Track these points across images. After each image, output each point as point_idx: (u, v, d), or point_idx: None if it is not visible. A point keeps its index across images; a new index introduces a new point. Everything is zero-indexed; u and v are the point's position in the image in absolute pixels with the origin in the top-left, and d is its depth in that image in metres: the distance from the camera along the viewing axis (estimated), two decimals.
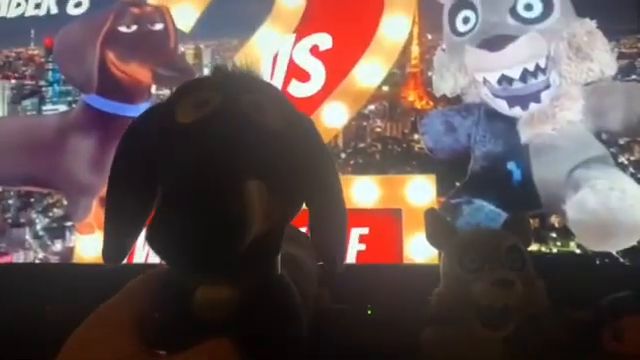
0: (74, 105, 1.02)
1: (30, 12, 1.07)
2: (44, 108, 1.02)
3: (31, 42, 1.05)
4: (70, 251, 0.97)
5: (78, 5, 1.05)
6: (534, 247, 0.87)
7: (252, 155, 0.34)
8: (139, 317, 0.38)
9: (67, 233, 0.97)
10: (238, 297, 0.37)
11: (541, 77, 0.92)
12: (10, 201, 0.99)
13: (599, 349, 0.68)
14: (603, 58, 0.90)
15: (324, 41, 0.98)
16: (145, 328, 0.38)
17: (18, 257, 0.98)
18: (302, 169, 0.37)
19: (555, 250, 0.90)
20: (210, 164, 0.32)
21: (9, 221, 0.99)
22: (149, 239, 0.32)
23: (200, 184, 0.31)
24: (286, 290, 0.41)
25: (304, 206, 0.39)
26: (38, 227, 0.98)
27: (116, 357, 0.36)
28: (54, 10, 1.07)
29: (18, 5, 1.07)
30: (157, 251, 0.32)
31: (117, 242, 0.38)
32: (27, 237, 0.98)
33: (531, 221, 0.79)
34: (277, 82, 0.96)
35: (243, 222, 0.32)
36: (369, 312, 0.86)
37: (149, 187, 0.35)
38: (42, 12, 1.07)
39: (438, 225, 0.73)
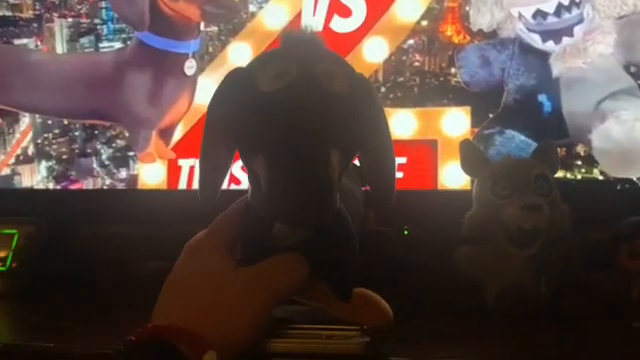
0: (129, 42, 1.07)
1: None
2: (101, 45, 1.07)
3: None
4: (134, 178, 1.05)
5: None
6: (560, 174, 0.92)
7: (330, 124, 0.42)
8: (228, 246, 0.48)
9: (130, 162, 1.05)
10: (308, 231, 0.46)
11: (575, 11, 0.94)
12: (76, 133, 1.06)
13: (616, 265, 0.75)
14: None
15: None
16: (233, 253, 0.48)
17: (88, 184, 1.06)
18: (363, 127, 0.45)
19: (580, 177, 0.95)
20: (301, 135, 0.41)
21: (76, 151, 1.06)
22: (267, 202, 0.41)
23: (298, 154, 0.40)
24: (345, 221, 0.50)
25: None
26: (104, 157, 1.05)
27: (215, 278, 0.46)
28: None
29: None
30: (273, 212, 0.41)
31: (210, 184, 0.47)
32: (94, 166, 1.05)
33: (558, 150, 0.85)
34: (319, 18, 0.99)
35: (332, 187, 0.41)
36: (406, 232, 0.93)
37: (233, 143, 0.44)
38: None
39: (472, 155, 0.80)
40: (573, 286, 0.76)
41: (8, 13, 1.11)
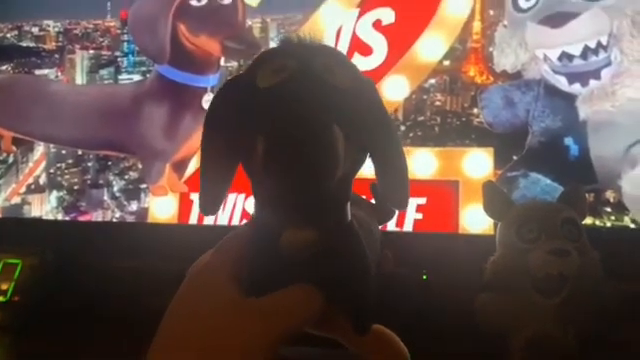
0: (148, 75, 1.07)
1: None
2: (120, 77, 1.08)
3: (108, 14, 1.10)
4: (145, 211, 1.03)
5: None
6: (589, 220, 0.89)
7: (331, 108, 0.39)
8: (234, 270, 0.44)
9: (142, 195, 1.03)
10: (318, 238, 0.42)
11: (602, 54, 0.92)
12: (89, 164, 1.06)
13: None
14: None
15: (387, 16, 1.00)
16: (240, 279, 0.43)
17: (97, 216, 1.04)
18: (368, 124, 0.42)
19: (609, 224, 0.91)
20: (300, 114, 0.38)
21: (88, 182, 1.05)
22: (266, 171, 0.37)
23: (297, 128, 0.37)
24: (357, 238, 0.46)
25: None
26: (115, 188, 1.04)
27: (218, 311, 0.42)
28: None
29: None
30: (272, 180, 0.38)
31: (212, 196, 0.44)
32: (105, 198, 1.04)
33: (586, 195, 0.81)
34: None
35: (336, 153, 0.38)
36: (424, 277, 0.89)
37: (235, 146, 0.41)
38: None
39: (496, 197, 0.76)
40: (605, 339, 0.71)
41: (32, 44, 1.13)
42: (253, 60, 0.43)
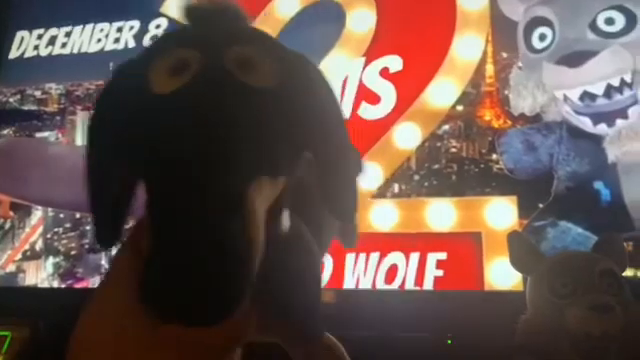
0: None
1: (109, 47, 1.12)
2: None
3: (110, 75, 1.10)
4: None
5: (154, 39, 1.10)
6: (629, 272, 0.81)
7: (249, 139, 0.29)
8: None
9: None
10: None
11: (627, 92, 0.87)
12: (87, 227, 1.02)
13: None
14: None
15: (394, 63, 0.97)
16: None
17: (94, 282, 0.99)
18: (302, 125, 0.32)
19: None
20: (201, 163, 0.28)
21: (86, 247, 1.01)
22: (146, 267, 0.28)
23: (190, 205, 0.27)
24: (302, 247, 0.40)
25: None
26: (113, 252, 0.99)
27: (125, 340, 0.32)
28: (132, 44, 1.11)
29: (98, 40, 1.12)
30: (147, 292, 0.28)
31: (108, 227, 0.33)
32: (103, 262, 0.99)
33: (624, 244, 0.74)
34: (347, 105, 0.96)
35: (248, 257, 0.28)
36: (449, 342, 0.82)
37: (128, 167, 0.30)
38: (120, 46, 1.11)
39: (523, 249, 0.70)
40: None
41: (34, 107, 1.12)
42: (146, 48, 0.33)
